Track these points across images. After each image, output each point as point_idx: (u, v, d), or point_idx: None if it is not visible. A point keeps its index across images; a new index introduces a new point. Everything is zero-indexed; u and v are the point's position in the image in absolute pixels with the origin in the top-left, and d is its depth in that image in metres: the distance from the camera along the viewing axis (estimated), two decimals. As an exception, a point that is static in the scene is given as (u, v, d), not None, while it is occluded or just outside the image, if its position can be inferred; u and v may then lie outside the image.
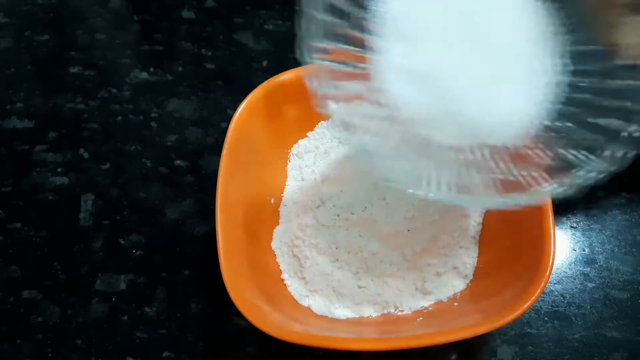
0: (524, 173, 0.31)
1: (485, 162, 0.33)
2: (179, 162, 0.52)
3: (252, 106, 0.42)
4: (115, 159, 0.52)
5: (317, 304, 0.41)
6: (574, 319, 0.43)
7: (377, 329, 0.40)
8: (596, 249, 0.46)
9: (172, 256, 0.47)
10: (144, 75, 0.57)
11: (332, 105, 0.31)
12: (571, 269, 0.45)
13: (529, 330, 0.42)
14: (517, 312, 0.33)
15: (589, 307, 0.43)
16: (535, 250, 0.36)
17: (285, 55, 0.58)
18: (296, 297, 0.41)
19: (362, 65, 0.33)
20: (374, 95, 0.33)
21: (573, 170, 0.30)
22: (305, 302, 0.41)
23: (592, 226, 0.47)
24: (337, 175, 0.45)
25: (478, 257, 0.42)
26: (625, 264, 0.45)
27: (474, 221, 0.43)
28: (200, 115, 0.54)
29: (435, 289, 0.40)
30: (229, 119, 0.41)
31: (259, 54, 0.58)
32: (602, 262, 0.45)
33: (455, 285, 0.41)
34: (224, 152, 0.40)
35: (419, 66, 0.32)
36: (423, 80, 0.32)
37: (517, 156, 0.33)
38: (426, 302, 0.40)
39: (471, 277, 0.41)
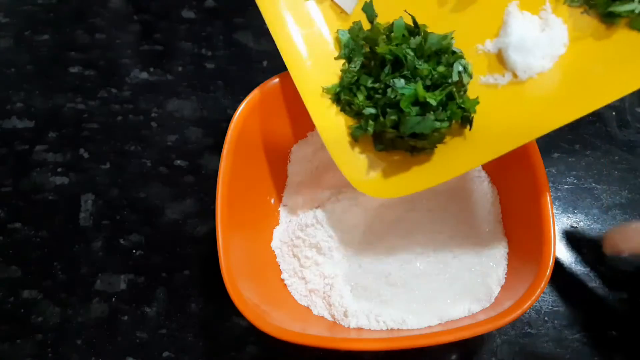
0: None
1: None
2: (179, 162, 0.52)
3: (252, 106, 0.42)
4: (115, 159, 0.52)
5: (316, 304, 0.41)
6: (574, 318, 0.43)
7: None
8: (597, 249, 0.46)
9: (172, 256, 0.47)
10: (144, 75, 0.57)
11: None
12: (571, 269, 0.45)
13: (529, 330, 0.42)
14: (518, 312, 0.33)
15: (589, 307, 0.43)
16: (536, 250, 0.36)
17: (285, 55, 0.58)
18: (296, 297, 0.41)
19: None
20: None
21: None
22: (305, 302, 0.41)
23: (592, 226, 0.47)
24: (337, 175, 0.45)
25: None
26: (626, 264, 0.45)
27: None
28: (200, 115, 0.54)
29: (443, 310, 0.39)
30: (229, 119, 0.41)
31: (259, 54, 0.58)
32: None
33: (471, 309, 0.39)
34: (224, 152, 0.40)
35: None
36: None
37: None
38: (434, 322, 0.38)
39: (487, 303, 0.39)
